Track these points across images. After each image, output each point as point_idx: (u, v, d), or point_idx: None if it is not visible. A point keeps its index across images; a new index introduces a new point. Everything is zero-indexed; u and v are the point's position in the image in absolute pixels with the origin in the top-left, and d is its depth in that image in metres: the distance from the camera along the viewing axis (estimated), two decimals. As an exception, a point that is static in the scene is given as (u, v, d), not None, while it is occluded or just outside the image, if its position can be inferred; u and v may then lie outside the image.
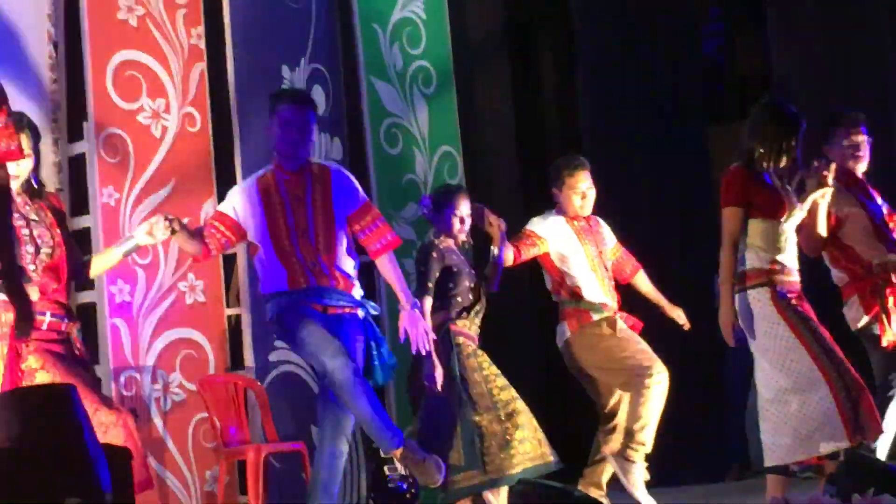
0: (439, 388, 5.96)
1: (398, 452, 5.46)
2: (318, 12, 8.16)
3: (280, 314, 5.66)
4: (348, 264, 5.72)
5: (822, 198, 5.85)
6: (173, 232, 5.37)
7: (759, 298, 5.67)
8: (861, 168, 6.18)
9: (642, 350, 6.32)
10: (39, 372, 4.83)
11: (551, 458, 6.08)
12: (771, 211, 5.71)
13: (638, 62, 9.25)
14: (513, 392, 6.07)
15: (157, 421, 7.09)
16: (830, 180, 5.77)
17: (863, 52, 8.52)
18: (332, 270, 5.65)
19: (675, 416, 6.76)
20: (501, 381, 6.11)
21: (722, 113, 9.98)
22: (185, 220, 6.67)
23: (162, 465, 7.06)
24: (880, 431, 5.56)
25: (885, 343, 5.88)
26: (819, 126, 6.17)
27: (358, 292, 5.77)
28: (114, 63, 7.24)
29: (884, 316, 5.91)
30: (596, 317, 6.38)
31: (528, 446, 6.00)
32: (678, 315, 6.53)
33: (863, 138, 6.11)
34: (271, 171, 5.77)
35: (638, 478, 6.24)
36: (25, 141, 4.90)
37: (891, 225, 6.19)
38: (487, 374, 6.12)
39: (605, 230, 6.65)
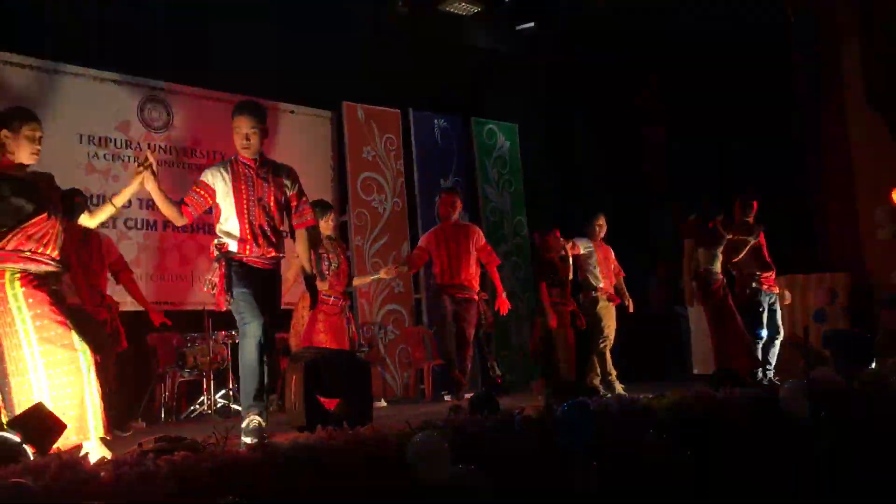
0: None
1: None
2: (457, 148, 11.04)
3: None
4: (476, 282, 7.91)
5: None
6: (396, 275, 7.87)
7: (695, 287, 7.57)
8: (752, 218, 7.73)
9: (608, 313, 8.23)
10: (322, 334, 6.61)
11: None
12: (707, 243, 7.50)
13: (609, 163, 12.13)
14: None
15: (381, 349, 9.95)
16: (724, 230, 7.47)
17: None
18: (471, 282, 7.88)
19: (638, 345, 9.65)
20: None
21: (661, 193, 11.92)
22: (393, 254, 10.20)
23: (383, 370, 9.72)
24: (753, 366, 7.11)
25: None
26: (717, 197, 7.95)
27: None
28: (360, 177, 10.30)
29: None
30: (594, 294, 8.29)
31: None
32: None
33: (753, 207, 7.82)
34: (440, 227, 8.01)
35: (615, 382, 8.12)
36: (323, 215, 6.92)
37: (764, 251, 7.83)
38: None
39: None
